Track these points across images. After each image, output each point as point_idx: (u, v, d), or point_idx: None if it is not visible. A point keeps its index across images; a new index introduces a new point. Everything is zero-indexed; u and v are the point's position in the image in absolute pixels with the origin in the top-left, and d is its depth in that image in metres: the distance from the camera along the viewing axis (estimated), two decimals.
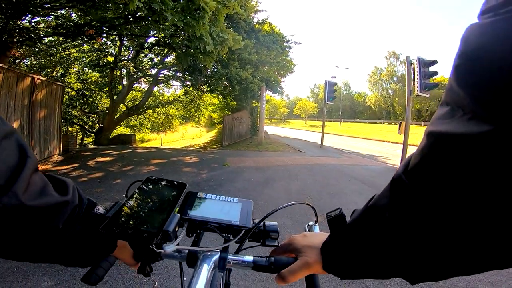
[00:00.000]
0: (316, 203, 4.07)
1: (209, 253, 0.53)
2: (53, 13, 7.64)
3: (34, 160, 0.38)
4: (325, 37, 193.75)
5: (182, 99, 18.04)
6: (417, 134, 18.21)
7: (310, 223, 0.66)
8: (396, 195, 0.34)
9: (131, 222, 0.45)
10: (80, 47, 12.56)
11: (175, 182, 0.58)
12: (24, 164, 0.36)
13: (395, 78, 49.79)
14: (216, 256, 0.52)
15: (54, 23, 8.31)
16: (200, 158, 7.81)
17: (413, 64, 6.68)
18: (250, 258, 0.53)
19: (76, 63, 14.04)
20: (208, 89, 13.98)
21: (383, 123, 40.65)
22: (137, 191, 0.53)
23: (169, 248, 0.46)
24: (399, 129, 7.51)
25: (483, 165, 0.25)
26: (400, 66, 48.46)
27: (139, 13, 5.41)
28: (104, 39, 11.43)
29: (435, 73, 6.61)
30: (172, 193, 0.54)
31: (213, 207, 0.57)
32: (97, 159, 6.92)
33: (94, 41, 10.20)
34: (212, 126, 24.86)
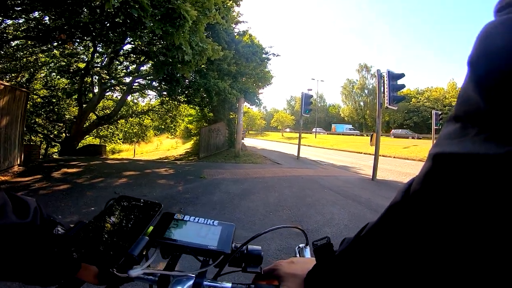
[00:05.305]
0: (293, 214, 4.08)
1: (183, 278, 0.49)
2: (24, 16, 7.24)
3: None
4: (301, 49, 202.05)
5: (157, 109, 17.59)
6: (387, 145, 19.19)
7: (300, 245, 0.64)
8: (393, 226, 0.31)
9: (92, 244, 0.44)
10: (50, 52, 11.94)
11: (150, 202, 0.57)
12: None
13: (366, 91, 52.10)
14: (190, 282, 0.49)
15: (25, 26, 7.86)
16: (175, 170, 7.59)
17: (383, 77, 6.86)
18: (228, 285, 0.49)
19: (43, 68, 13.28)
20: (185, 99, 13.79)
21: (355, 135, 42.41)
22: (106, 210, 0.52)
23: (135, 272, 0.44)
24: (370, 140, 7.84)
25: (504, 197, 0.20)
26: (371, 79, 50.58)
27: (116, 19, 5.26)
28: (76, 44, 10.96)
29: (403, 86, 6.84)
30: (145, 214, 0.53)
31: (190, 230, 0.54)
32: (62, 170, 6.47)
33: (65, 46, 9.74)
34: (188, 138, 24.42)
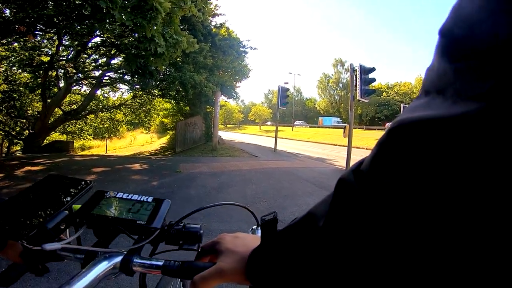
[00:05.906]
0: (270, 206, 4.16)
1: (112, 254, 0.47)
2: None
3: None
4: (279, 43, 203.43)
5: (130, 103, 16.91)
6: (360, 137, 19.98)
7: (253, 227, 0.62)
8: (337, 201, 0.27)
9: (3, 218, 0.43)
10: (10, 46, 11.06)
11: (79, 180, 0.55)
12: None
13: (341, 85, 54.00)
14: (119, 258, 0.46)
15: None
16: (150, 165, 7.41)
17: (356, 71, 7.08)
18: (159, 262, 0.47)
19: (3, 62, 12.30)
20: (160, 93, 13.35)
21: (330, 128, 43.35)
22: (28, 189, 0.51)
23: (50, 246, 0.41)
24: (344, 132, 8.14)
25: (470, 159, 0.17)
26: (345, 74, 52.41)
27: (83, 11, 4.95)
28: (38, 37, 10.20)
29: (373, 79, 7.11)
30: (71, 191, 0.52)
31: (121, 206, 0.52)
32: (26, 168, 6.09)
33: (26, 39, 9.04)
34: (164, 132, 23.76)
